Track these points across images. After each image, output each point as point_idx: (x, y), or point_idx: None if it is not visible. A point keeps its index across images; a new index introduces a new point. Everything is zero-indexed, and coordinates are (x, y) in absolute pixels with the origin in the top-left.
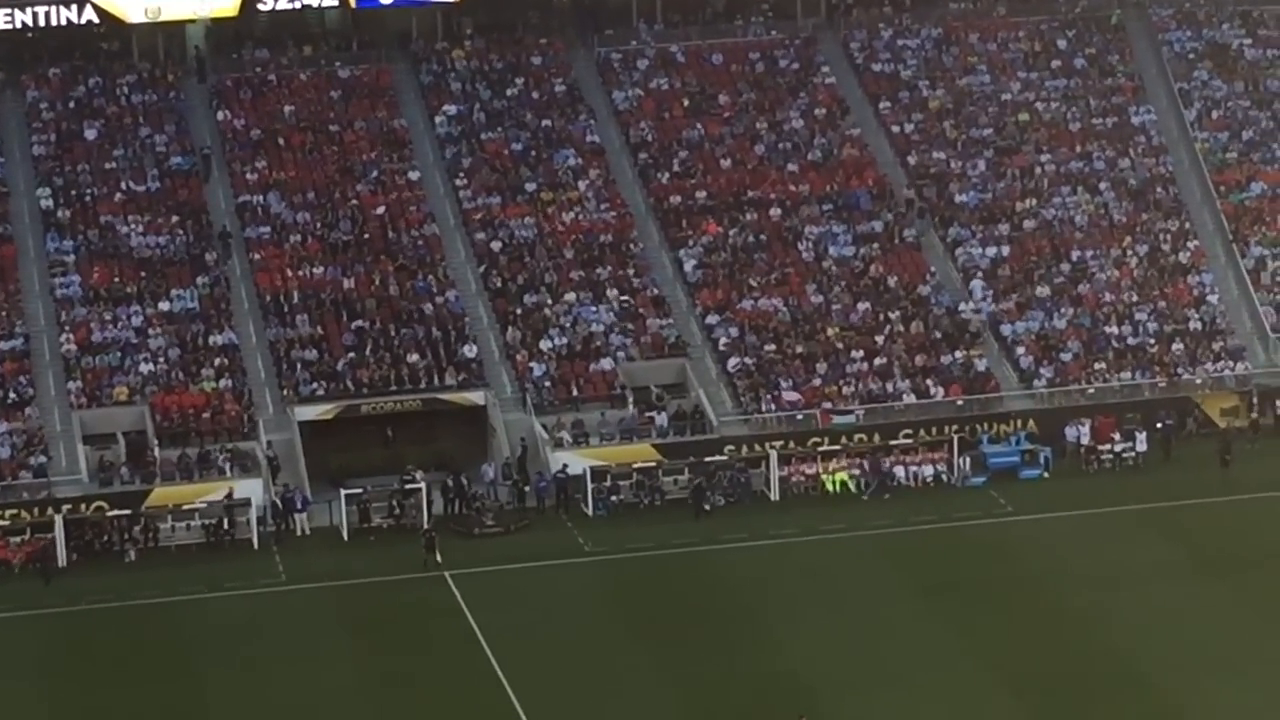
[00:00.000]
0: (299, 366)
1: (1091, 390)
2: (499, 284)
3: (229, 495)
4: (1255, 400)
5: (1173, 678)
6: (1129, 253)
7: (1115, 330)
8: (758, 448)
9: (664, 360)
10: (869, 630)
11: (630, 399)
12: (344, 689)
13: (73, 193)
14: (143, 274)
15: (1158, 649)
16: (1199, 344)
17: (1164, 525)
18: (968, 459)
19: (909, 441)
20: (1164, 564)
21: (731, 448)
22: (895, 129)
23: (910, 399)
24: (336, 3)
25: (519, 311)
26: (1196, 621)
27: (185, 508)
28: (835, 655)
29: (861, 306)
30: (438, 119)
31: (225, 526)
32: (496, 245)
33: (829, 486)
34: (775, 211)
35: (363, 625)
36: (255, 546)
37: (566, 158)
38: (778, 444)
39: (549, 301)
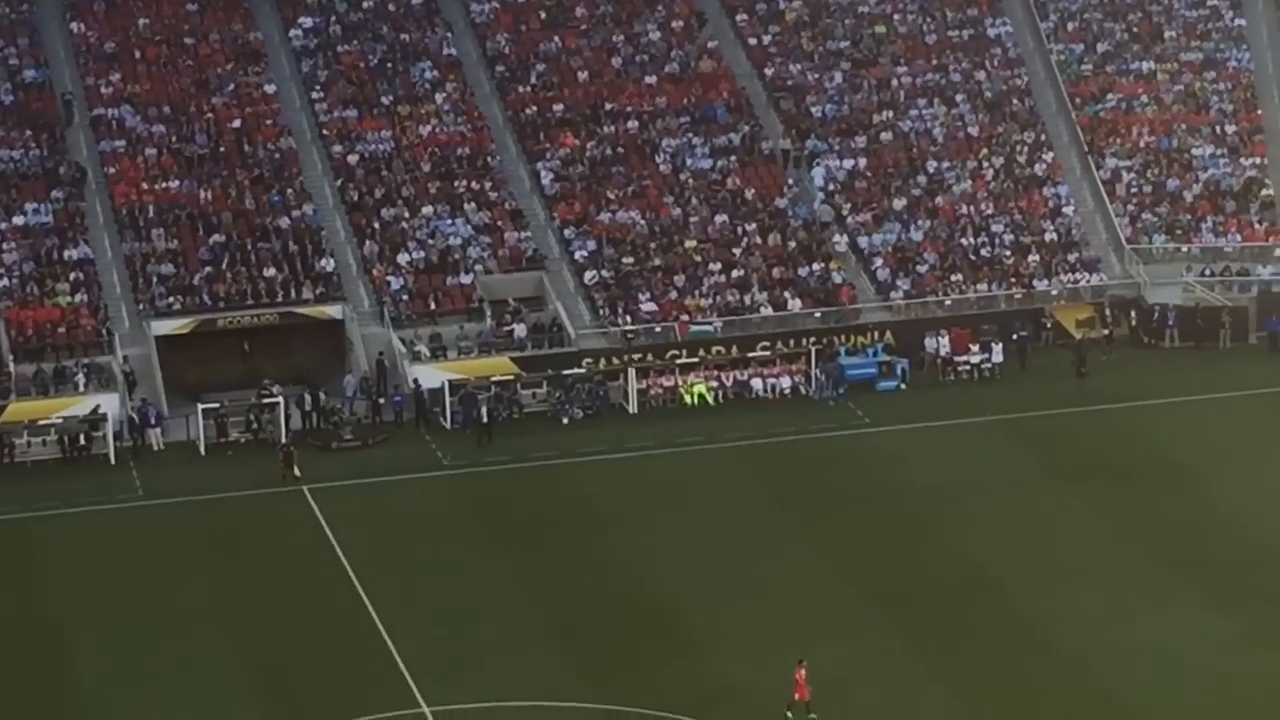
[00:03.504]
0: (155, 280)
1: (948, 302)
2: (356, 197)
3: (95, 410)
4: (1110, 311)
5: (1027, 586)
6: (985, 165)
7: (971, 242)
8: (616, 360)
9: (522, 273)
10: (727, 542)
11: (488, 312)
12: (202, 603)
13: None
14: None
15: (1012, 558)
16: (1054, 255)
17: (1020, 435)
18: (825, 371)
19: (767, 354)
20: (1019, 474)
21: (590, 360)
22: (752, 41)
23: (768, 311)
24: None
25: (376, 225)
26: (1051, 531)
27: (41, 423)
28: (693, 567)
29: (719, 219)
30: (293, 32)
31: (81, 442)
32: (353, 159)
33: (687, 399)
34: (633, 124)
35: (220, 540)
36: (112, 462)
37: (423, 70)
38: (635, 357)
39: (406, 215)
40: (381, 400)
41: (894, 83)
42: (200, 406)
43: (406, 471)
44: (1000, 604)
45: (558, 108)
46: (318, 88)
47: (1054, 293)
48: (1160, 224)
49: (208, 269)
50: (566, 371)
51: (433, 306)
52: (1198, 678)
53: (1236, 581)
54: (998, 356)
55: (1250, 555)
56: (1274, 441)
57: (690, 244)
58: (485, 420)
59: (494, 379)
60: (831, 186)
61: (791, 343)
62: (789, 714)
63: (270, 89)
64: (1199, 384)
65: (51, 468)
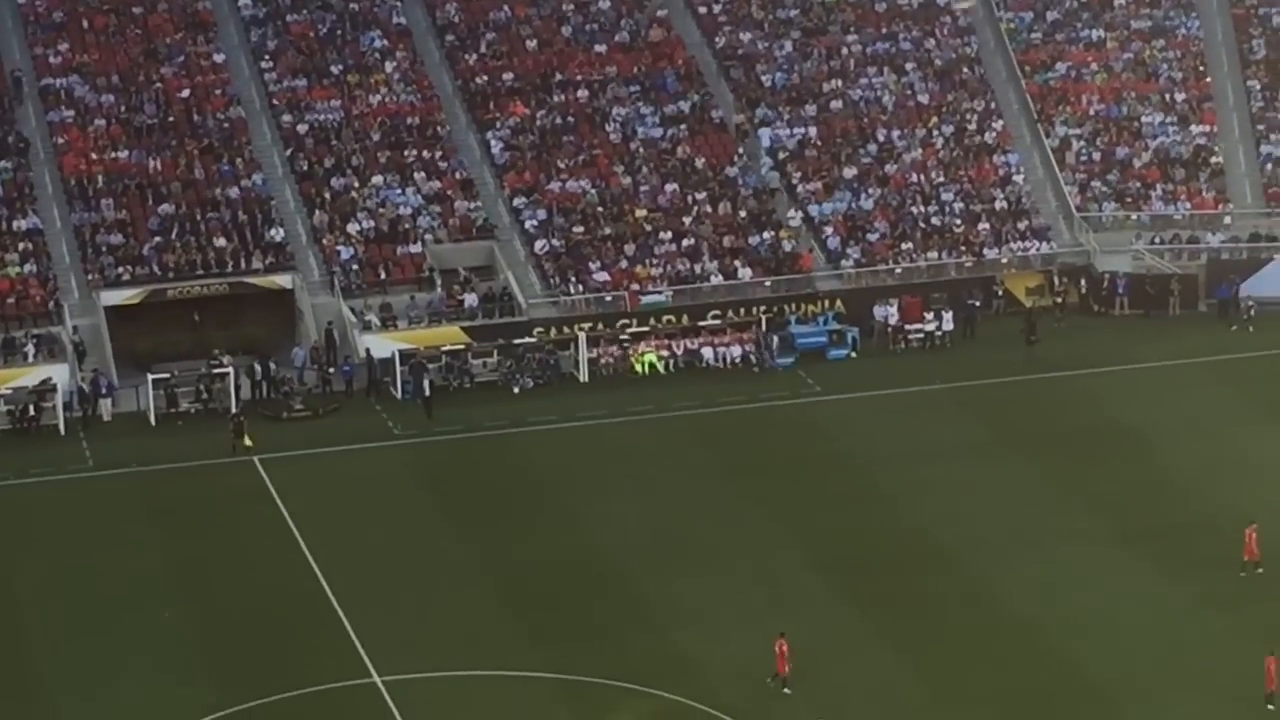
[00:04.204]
0: (104, 251)
1: (899, 270)
2: (305, 167)
3: (45, 381)
4: (1059, 279)
5: (977, 554)
6: (935, 133)
7: (922, 210)
8: (566, 330)
9: (472, 243)
10: (680, 510)
11: (438, 282)
12: (152, 574)
13: None
14: None
15: (962, 525)
16: (1004, 223)
17: (970, 404)
18: (776, 339)
19: (717, 323)
20: (969, 442)
21: (540, 330)
22: (702, 10)
23: (718, 280)
24: None
25: (326, 195)
26: (1001, 498)
27: None
28: (645, 535)
29: (670, 188)
30: (242, 1)
31: (31, 412)
32: (303, 128)
33: (638, 368)
34: (583, 93)
35: (171, 510)
36: (62, 432)
37: (373, 39)
38: (586, 326)
39: (356, 184)
40: (331, 370)
41: (844, 51)
42: (150, 377)
43: (357, 441)
44: (950, 571)
45: (507, 77)
46: (267, 57)
47: (1004, 261)
48: (1110, 192)
49: (157, 239)
50: (517, 341)
51: (383, 276)
52: (1146, 644)
53: (1185, 548)
54: (948, 325)
55: (1199, 522)
56: (1222, 409)
57: (641, 213)
58: (428, 393)
59: (444, 348)
60: (782, 155)
61: (742, 311)
62: (786, 689)
63: (219, 58)
64: (1148, 352)
65: (1, 439)
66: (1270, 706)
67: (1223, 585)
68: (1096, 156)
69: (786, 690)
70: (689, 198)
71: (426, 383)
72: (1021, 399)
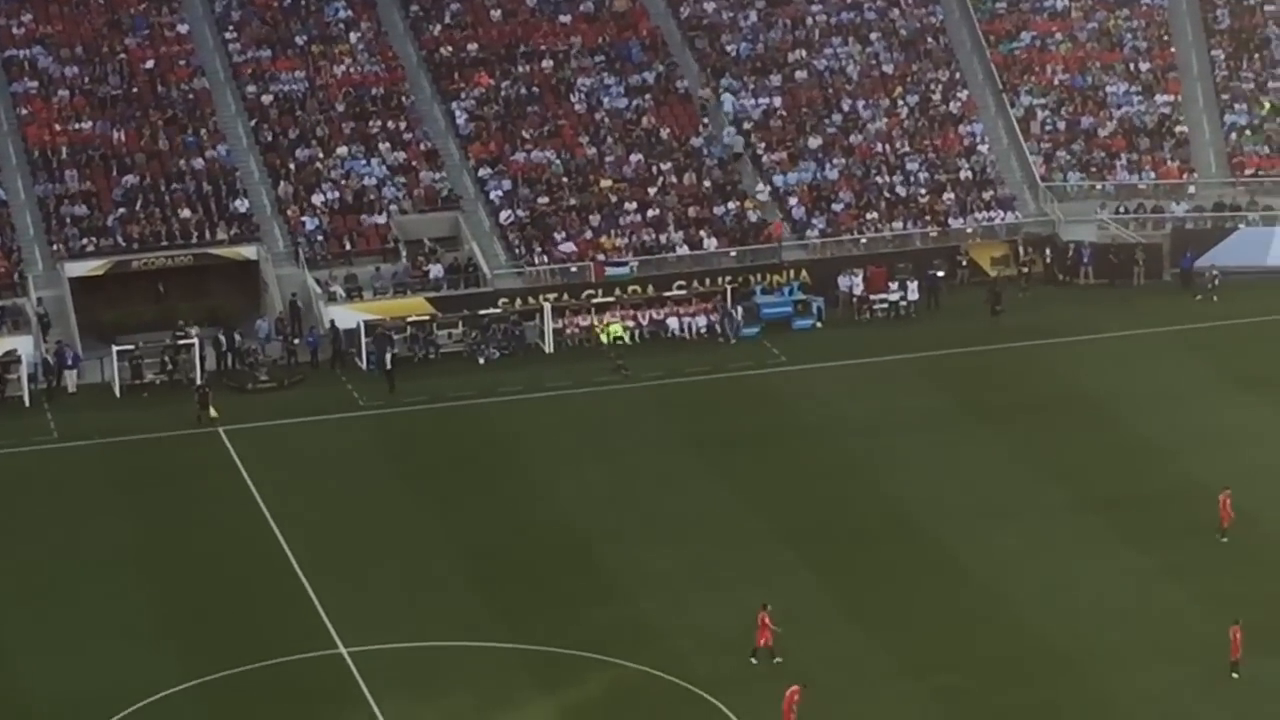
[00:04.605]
0: (69, 222)
1: (864, 240)
2: (270, 138)
3: (9, 353)
4: (1024, 249)
5: (943, 523)
6: (900, 103)
7: (887, 180)
8: (532, 300)
9: (437, 213)
10: (645, 481)
11: (403, 252)
12: (117, 545)
13: None
14: None
15: (929, 495)
16: (969, 193)
17: (935, 373)
18: (741, 309)
19: (683, 293)
20: (935, 412)
21: (505, 300)
22: None
23: (683, 250)
24: None
25: (291, 165)
26: (966, 468)
27: None
28: (612, 506)
29: (635, 158)
30: None
31: None
32: (267, 99)
33: (603, 339)
34: (547, 63)
35: (136, 482)
36: (27, 404)
37: (337, 10)
38: (551, 296)
39: (321, 155)
40: (296, 341)
41: (809, 21)
42: (115, 348)
43: (323, 412)
44: (917, 540)
45: (472, 47)
46: (231, 28)
47: (969, 231)
48: (1074, 161)
49: (121, 210)
50: (482, 311)
51: (348, 247)
52: (1112, 612)
53: (1151, 517)
54: (913, 294)
55: (1163, 492)
56: (1187, 378)
57: (606, 183)
58: (389, 366)
59: (410, 319)
60: (747, 125)
61: (708, 281)
62: (753, 659)
63: (183, 29)
64: (1113, 321)
65: None
66: (1235, 675)
67: (1189, 554)
68: (1061, 126)
69: (753, 660)
70: (654, 168)
71: (388, 355)
72: (986, 369)
